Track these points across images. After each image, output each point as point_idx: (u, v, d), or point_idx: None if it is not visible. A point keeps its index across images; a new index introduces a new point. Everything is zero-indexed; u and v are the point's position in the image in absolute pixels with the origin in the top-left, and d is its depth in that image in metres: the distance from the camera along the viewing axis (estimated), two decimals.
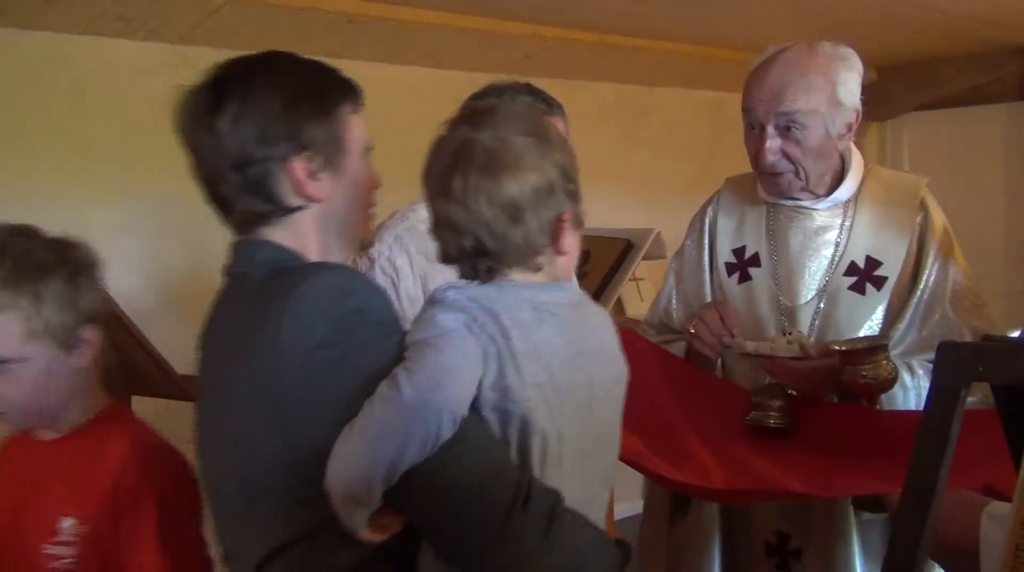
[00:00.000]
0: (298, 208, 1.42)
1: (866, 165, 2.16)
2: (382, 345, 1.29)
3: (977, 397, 1.64)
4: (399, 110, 3.24)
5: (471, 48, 3.75)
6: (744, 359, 2.03)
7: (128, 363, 2.41)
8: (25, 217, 2.95)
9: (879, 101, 5.00)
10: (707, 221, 2.26)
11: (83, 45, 3.11)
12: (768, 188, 2.12)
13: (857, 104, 2.03)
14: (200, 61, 3.60)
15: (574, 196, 1.37)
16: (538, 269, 1.36)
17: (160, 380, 2.43)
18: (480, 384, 1.26)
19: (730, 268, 2.18)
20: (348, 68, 3.40)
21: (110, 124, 3.17)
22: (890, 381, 1.88)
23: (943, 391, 1.21)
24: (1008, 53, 4.71)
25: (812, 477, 1.83)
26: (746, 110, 2.04)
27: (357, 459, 1.22)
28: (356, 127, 1.47)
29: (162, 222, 3.28)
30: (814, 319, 2.07)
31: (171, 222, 3.29)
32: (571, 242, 1.38)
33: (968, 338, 1.99)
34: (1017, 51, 4.67)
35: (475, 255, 1.33)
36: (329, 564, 1.31)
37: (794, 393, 1.99)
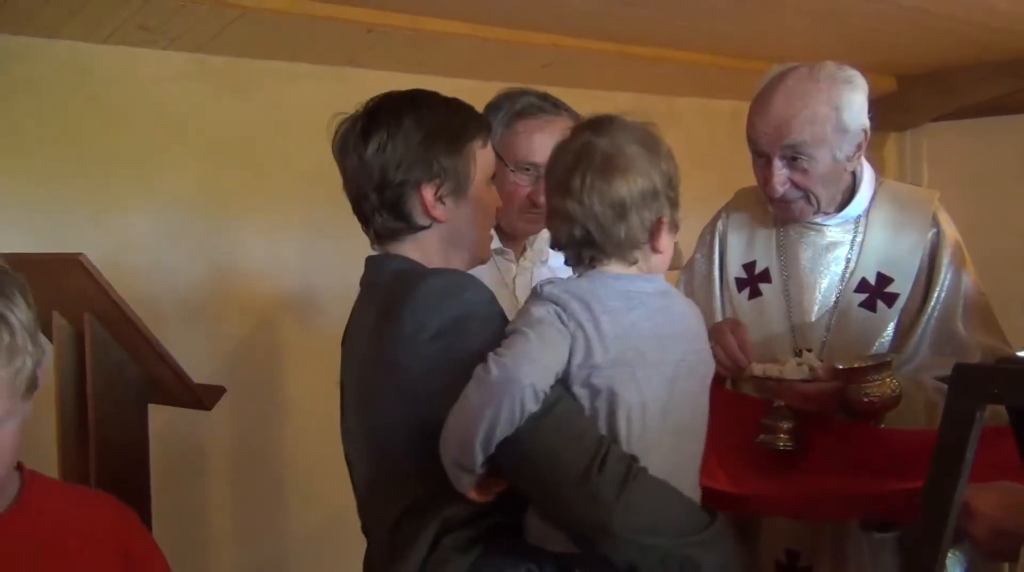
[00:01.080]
0: (424, 227, 1.68)
1: (878, 179, 2.14)
2: (484, 335, 1.51)
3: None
4: None
5: (489, 58, 3.75)
6: (752, 381, 2.01)
7: (145, 372, 2.42)
8: (44, 225, 2.99)
9: (898, 111, 4.96)
10: (717, 235, 2.25)
11: (104, 54, 3.12)
12: (780, 214, 2.11)
13: (865, 124, 2.01)
14: (220, 70, 3.65)
15: (674, 203, 1.57)
16: (634, 262, 1.56)
17: (177, 389, 2.44)
18: (569, 364, 1.46)
19: (740, 283, 2.17)
20: (366, 77, 3.46)
21: (130, 133, 3.18)
22: (894, 399, 1.87)
23: (958, 413, 1.21)
24: None
25: (821, 496, 1.82)
26: (751, 140, 2.03)
27: (459, 431, 1.44)
28: (483, 159, 1.72)
29: (180, 231, 3.30)
30: (825, 336, 2.06)
31: (189, 231, 3.32)
32: (667, 242, 1.58)
33: (978, 356, 1.98)
34: None
35: (582, 244, 1.54)
36: (447, 516, 1.55)
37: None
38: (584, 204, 1.50)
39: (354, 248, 3.66)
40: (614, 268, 1.55)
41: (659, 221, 1.54)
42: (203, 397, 2.47)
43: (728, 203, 2.29)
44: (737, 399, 2.11)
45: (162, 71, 3.24)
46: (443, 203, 1.68)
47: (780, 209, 2.08)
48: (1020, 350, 1.99)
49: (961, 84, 4.95)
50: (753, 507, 2.00)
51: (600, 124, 1.56)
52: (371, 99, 1.72)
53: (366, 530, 1.72)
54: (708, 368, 1.63)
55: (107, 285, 2.23)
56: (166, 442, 3.06)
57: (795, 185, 2.01)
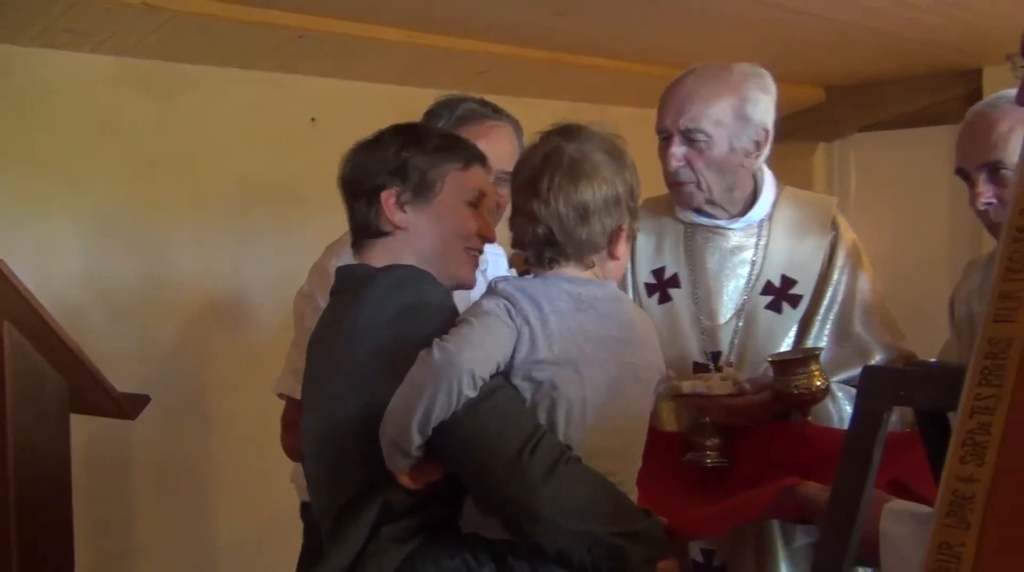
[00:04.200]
0: (388, 233, 1.74)
1: (779, 185, 2.20)
2: (435, 325, 1.56)
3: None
4: (351, 126, 3.22)
5: (424, 64, 3.75)
6: (678, 400, 2.02)
7: (66, 381, 2.37)
8: None
9: (826, 121, 5.08)
10: None
11: (29, 56, 3.06)
12: (675, 199, 2.17)
13: (767, 125, 2.08)
14: (147, 74, 3.59)
15: (633, 213, 1.65)
16: (590, 266, 1.62)
17: (99, 398, 2.39)
18: (512, 357, 1.52)
19: (650, 288, 2.20)
20: (298, 83, 3.42)
21: (55, 136, 3.12)
22: (823, 391, 1.91)
23: (866, 414, 1.25)
24: (954, 75, 4.79)
25: (745, 500, 1.84)
26: (657, 121, 2.10)
27: (398, 412, 1.48)
28: (458, 180, 1.76)
29: (107, 237, 3.24)
30: (733, 338, 2.11)
31: (115, 237, 3.26)
32: (623, 249, 1.65)
33: (878, 355, 2.06)
34: (963, 73, 4.76)
35: (544, 243, 1.59)
36: (388, 499, 1.57)
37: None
38: (549, 205, 1.56)
39: (285, 256, 3.62)
40: (570, 271, 1.61)
41: (619, 228, 1.61)
42: (126, 406, 2.43)
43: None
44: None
45: (89, 74, 3.18)
46: (403, 210, 1.73)
47: (675, 193, 2.14)
48: (934, 357, 2.05)
49: (888, 95, 5.07)
50: (688, 535, 2.00)
51: (570, 131, 1.63)
52: None
53: (320, 517, 1.74)
54: (653, 375, 1.67)
55: (26, 291, 2.18)
56: (91, 452, 3.01)
57: (690, 166, 2.06)
